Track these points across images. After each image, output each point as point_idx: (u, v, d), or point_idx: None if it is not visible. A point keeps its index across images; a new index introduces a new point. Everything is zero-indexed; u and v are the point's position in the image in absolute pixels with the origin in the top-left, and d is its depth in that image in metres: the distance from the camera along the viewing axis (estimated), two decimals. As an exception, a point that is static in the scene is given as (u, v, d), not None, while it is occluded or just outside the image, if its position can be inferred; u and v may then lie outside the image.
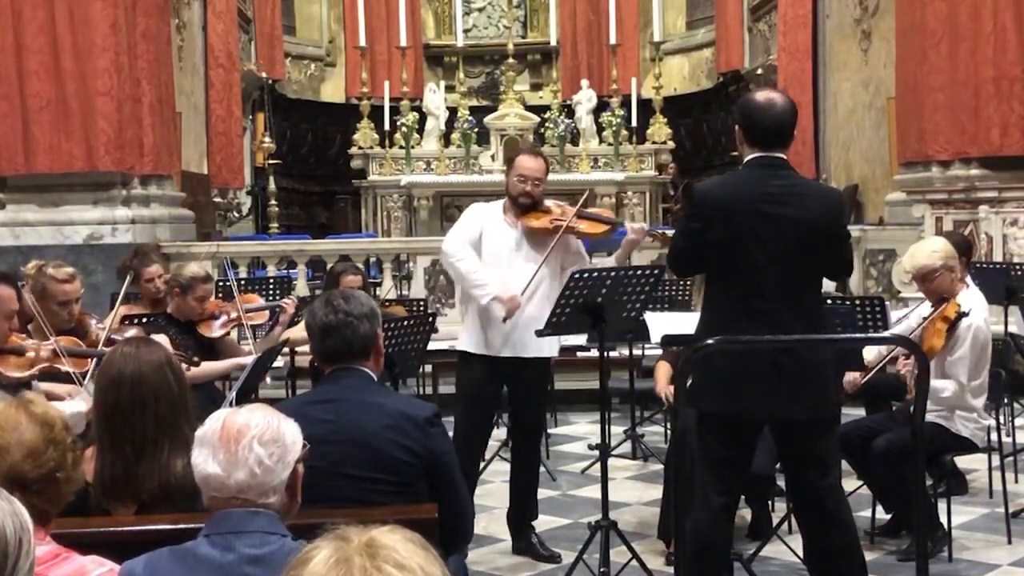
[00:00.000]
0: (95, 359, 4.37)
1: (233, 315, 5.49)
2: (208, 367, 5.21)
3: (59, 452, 2.27)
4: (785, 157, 3.82)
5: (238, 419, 2.29)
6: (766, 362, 3.65)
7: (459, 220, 5.08)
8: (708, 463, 3.79)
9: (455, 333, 5.19)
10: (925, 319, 5.00)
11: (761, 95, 3.88)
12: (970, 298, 5.05)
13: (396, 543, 1.49)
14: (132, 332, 4.82)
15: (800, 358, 3.70)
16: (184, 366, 5.03)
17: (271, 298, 7.02)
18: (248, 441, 2.25)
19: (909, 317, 5.44)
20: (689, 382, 3.58)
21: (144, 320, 5.38)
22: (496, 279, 4.83)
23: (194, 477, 2.31)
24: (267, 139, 13.79)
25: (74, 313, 4.66)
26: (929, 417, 4.83)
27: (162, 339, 4.84)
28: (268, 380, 5.67)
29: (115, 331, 4.88)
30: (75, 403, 4.10)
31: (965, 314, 4.88)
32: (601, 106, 14.34)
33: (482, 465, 5.60)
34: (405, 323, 5.37)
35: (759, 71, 14.36)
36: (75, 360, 4.38)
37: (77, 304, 4.69)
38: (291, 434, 2.31)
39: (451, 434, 4.84)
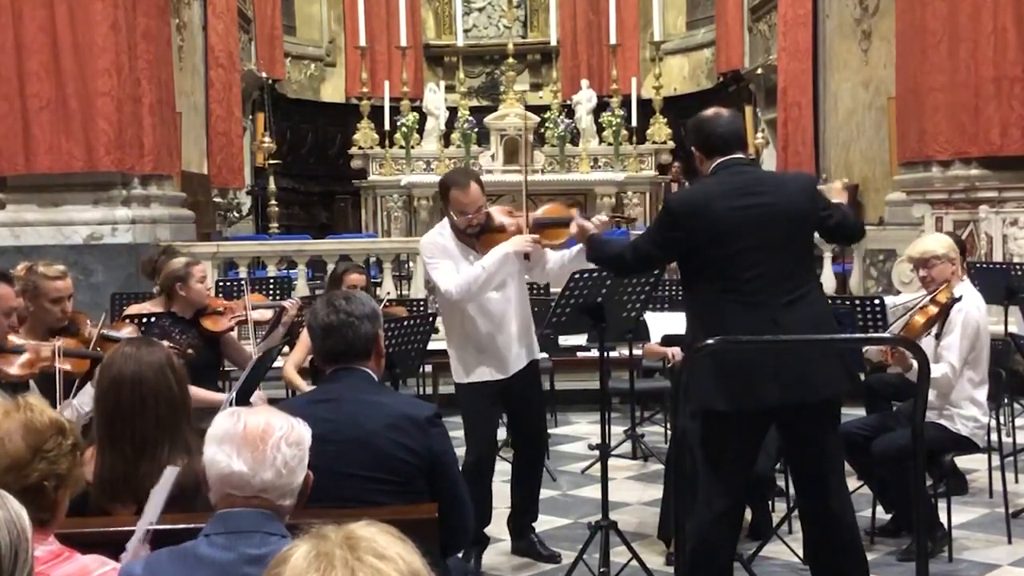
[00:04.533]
0: (94, 360, 4.38)
1: (238, 312, 5.48)
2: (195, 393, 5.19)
3: (47, 462, 2.23)
4: (745, 157, 3.98)
5: (260, 419, 2.28)
6: (772, 351, 3.67)
7: (431, 262, 4.83)
8: (715, 464, 3.77)
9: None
10: (918, 303, 5.02)
11: (706, 111, 4.07)
12: (965, 291, 5.09)
13: (374, 535, 1.52)
14: (128, 330, 4.82)
15: (808, 354, 3.74)
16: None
17: (272, 298, 7.02)
18: (276, 441, 2.25)
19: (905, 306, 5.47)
20: (688, 383, 3.59)
21: (148, 320, 5.37)
22: (483, 306, 4.78)
23: (202, 475, 2.30)
24: (267, 139, 13.78)
25: (67, 311, 4.65)
26: (930, 417, 4.83)
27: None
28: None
29: (110, 328, 4.87)
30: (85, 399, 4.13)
31: (957, 299, 4.92)
32: (601, 106, 14.34)
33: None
34: (405, 323, 5.37)
35: (759, 71, 14.35)
36: (74, 361, 4.38)
37: (69, 301, 4.69)
38: (308, 437, 2.32)
39: (464, 448, 4.89)
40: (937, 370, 4.88)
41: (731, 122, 3.99)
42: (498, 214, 4.87)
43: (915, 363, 4.76)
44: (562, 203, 5.31)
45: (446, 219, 4.91)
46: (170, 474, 2.59)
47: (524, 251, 4.73)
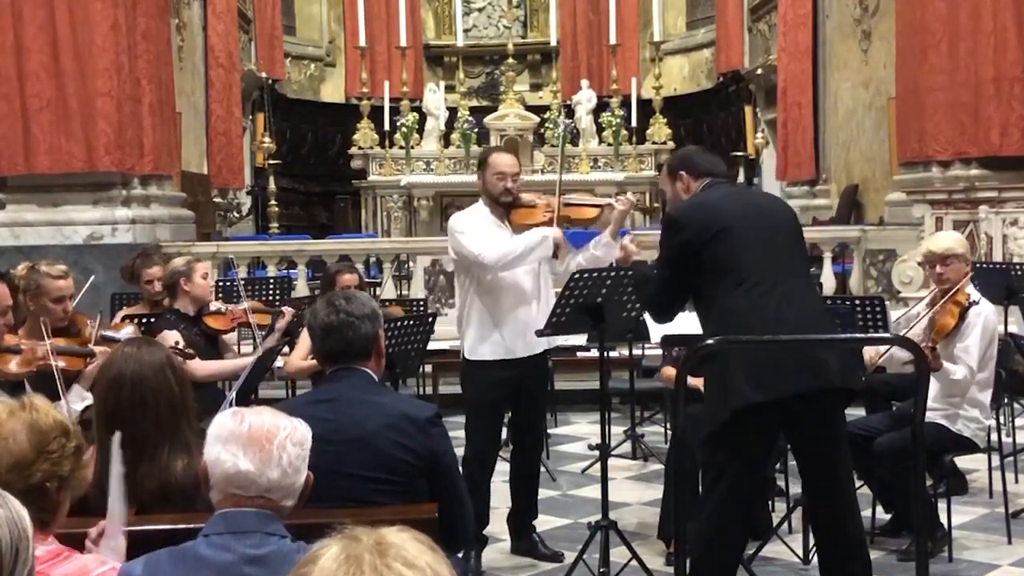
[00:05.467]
0: (88, 358, 4.39)
1: (237, 313, 5.51)
2: (223, 365, 5.23)
3: (51, 463, 2.23)
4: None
5: (264, 419, 2.28)
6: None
7: (466, 230, 4.82)
8: (730, 465, 3.73)
9: (455, 333, 5.16)
10: (935, 303, 5.02)
11: (689, 147, 4.44)
12: (977, 294, 5.10)
13: (405, 542, 1.51)
14: (128, 330, 4.83)
15: (820, 331, 3.85)
16: (181, 360, 5.07)
17: (271, 298, 7.03)
18: (282, 441, 2.25)
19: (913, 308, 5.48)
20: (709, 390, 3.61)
21: (154, 317, 5.40)
22: (515, 280, 4.83)
23: (203, 475, 2.30)
24: (267, 139, 13.78)
25: (68, 310, 4.65)
26: (930, 417, 4.83)
27: (173, 335, 4.87)
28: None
29: (109, 328, 4.89)
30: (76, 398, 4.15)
31: (975, 302, 4.93)
32: (601, 106, 14.33)
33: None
34: (405, 323, 5.37)
35: (759, 71, 14.36)
36: (70, 359, 4.39)
37: (71, 301, 4.69)
38: (309, 437, 2.32)
39: (464, 445, 4.88)
40: (958, 372, 4.89)
41: (716, 158, 4.24)
42: (526, 195, 4.96)
43: (945, 364, 4.80)
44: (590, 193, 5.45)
45: (479, 201, 4.96)
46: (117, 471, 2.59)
47: (559, 242, 4.79)
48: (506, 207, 4.86)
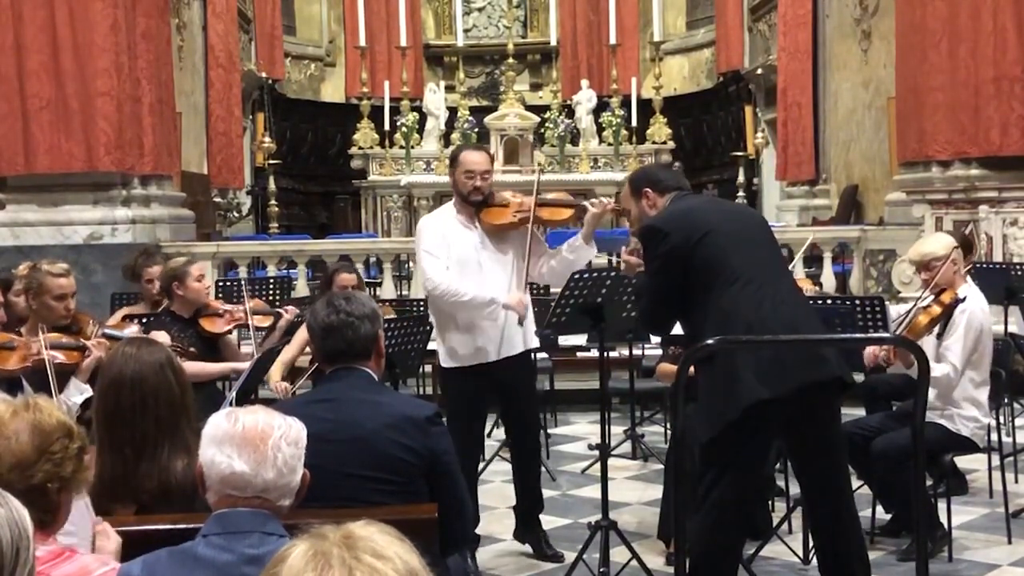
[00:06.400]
0: (83, 352, 4.40)
1: (237, 314, 5.49)
2: (204, 366, 5.19)
3: (52, 464, 2.22)
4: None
5: (258, 419, 2.28)
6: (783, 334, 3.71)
7: (422, 245, 4.81)
8: (734, 465, 3.72)
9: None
10: (920, 304, 5.02)
11: (646, 165, 4.41)
12: (968, 292, 5.09)
13: (373, 535, 1.52)
14: (132, 329, 4.83)
15: (811, 325, 3.89)
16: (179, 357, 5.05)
17: (271, 298, 7.02)
18: (276, 441, 2.25)
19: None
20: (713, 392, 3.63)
21: (147, 318, 5.39)
22: (483, 285, 4.75)
23: (200, 477, 2.30)
24: (267, 139, 13.77)
25: (71, 308, 4.66)
26: (930, 417, 4.83)
27: (162, 336, 4.87)
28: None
29: (110, 327, 4.89)
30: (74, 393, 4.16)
31: (961, 300, 4.93)
32: (601, 106, 14.32)
33: (481, 466, 5.61)
34: (405, 323, 5.37)
35: (759, 71, 14.36)
36: (65, 353, 4.40)
37: (72, 300, 4.70)
38: (304, 436, 2.32)
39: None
40: (938, 370, 4.89)
41: (677, 172, 4.38)
42: (502, 194, 4.90)
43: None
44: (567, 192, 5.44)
45: (450, 202, 4.92)
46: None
47: (516, 312, 4.70)
48: (476, 207, 4.80)
